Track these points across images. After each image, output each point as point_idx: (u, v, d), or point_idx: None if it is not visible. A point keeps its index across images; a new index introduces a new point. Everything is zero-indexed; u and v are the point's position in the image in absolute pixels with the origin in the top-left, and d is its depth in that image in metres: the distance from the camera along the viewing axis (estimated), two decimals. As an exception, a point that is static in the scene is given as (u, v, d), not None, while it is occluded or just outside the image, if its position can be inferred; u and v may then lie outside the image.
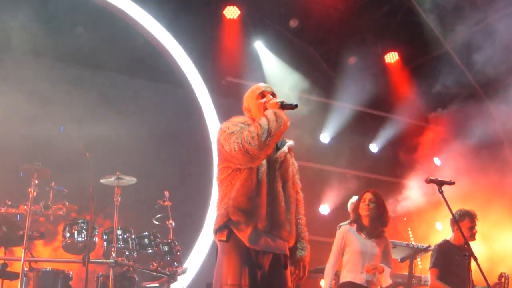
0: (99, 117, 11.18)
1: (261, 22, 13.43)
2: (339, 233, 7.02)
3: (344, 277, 6.89)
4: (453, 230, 7.75)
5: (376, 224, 7.01)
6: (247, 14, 12.94)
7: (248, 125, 4.58)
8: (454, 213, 7.43)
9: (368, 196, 7.03)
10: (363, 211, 6.99)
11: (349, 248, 6.90)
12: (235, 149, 4.38)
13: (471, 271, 6.03)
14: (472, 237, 7.60)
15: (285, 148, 4.78)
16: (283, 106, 4.57)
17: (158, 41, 12.24)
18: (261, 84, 4.92)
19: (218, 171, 4.72)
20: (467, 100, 14.48)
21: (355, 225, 7.03)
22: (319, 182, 13.48)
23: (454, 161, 13.03)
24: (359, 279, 6.78)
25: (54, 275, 7.75)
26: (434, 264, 7.51)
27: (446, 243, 7.72)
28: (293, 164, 4.89)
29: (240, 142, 4.35)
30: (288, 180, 4.71)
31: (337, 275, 7.18)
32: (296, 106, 4.60)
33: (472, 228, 7.64)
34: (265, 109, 4.63)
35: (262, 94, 4.80)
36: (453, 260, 7.41)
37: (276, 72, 13.19)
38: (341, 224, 7.55)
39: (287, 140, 4.91)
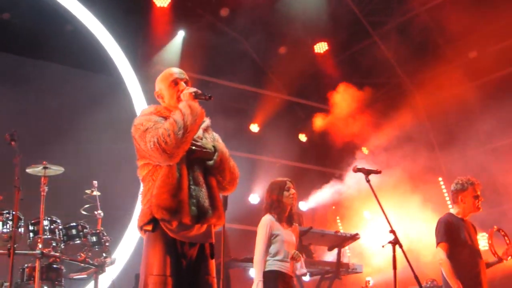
0: (26, 106, 10.98)
1: (192, 11, 13.32)
2: (264, 223, 6.88)
3: (271, 265, 6.82)
4: (455, 202, 7.01)
5: (292, 212, 7.04)
6: (178, 2, 12.81)
7: (162, 116, 4.42)
8: (455, 183, 7.01)
9: (290, 185, 6.98)
10: (289, 200, 6.92)
11: (275, 238, 6.86)
12: (151, 147, 4.19)
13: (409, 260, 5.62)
14: (478, 208, 6.91)
15: (199, 132, 4.58)
16: (197, 96, 4.42)
17: (87, 29, 12.02)
18: (174, 70, 4.68)
19: (138, 167, 4.52)
20: (394, 90, 14.82)
21: (276, 215, 6.96)
22: (249, 172, 13.51)
23: (382, 150, 13.29)
24: (285, 268, 6.80)
25: (-22, 267, 7.59)
26: (442, 239, 6.75)
27: (450, 216, 6.97)
28: (213, 140, 4.70)
29: (156, 141, 4.17)
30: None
31: None
32: (210, 97, 4.43)
33: (477, 197, 6.91)
34: (178, 98, 4.49)
35: (175, 81, 4.60)
36: (461, 235, 6.79)
37: (204, 61, 13.11)
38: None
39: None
